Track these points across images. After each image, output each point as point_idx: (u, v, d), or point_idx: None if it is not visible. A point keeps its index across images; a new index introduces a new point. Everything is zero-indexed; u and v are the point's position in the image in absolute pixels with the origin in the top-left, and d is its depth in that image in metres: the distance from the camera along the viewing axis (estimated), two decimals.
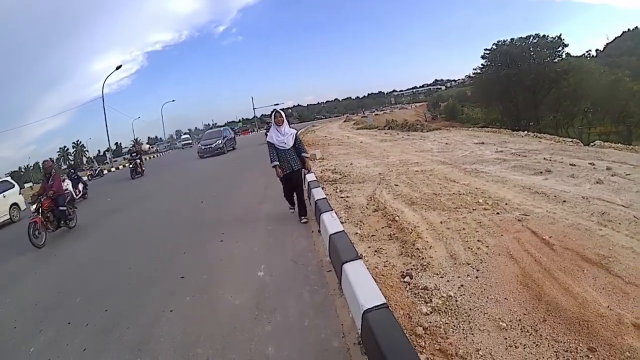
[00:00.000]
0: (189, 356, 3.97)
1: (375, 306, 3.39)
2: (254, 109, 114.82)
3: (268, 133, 8.03)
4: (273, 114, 7.88)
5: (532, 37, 51.03)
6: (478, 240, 5.69)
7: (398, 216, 7.11)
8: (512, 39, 52.15)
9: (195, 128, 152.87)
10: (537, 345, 3.40)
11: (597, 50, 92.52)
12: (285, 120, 7.79)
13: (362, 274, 4.10)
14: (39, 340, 4.84)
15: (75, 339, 4.70)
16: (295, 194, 8.18)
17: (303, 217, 7.94)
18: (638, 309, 3.77)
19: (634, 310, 3.75)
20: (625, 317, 3.62)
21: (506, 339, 3.51)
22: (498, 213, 6.76)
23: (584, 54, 70.43)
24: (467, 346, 3.45)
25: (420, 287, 4.54)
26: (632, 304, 3.86)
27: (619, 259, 4.70)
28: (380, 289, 3.86)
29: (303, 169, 8.20)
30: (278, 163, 7.66)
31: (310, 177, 9.52)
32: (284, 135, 7.65)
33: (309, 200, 8.48)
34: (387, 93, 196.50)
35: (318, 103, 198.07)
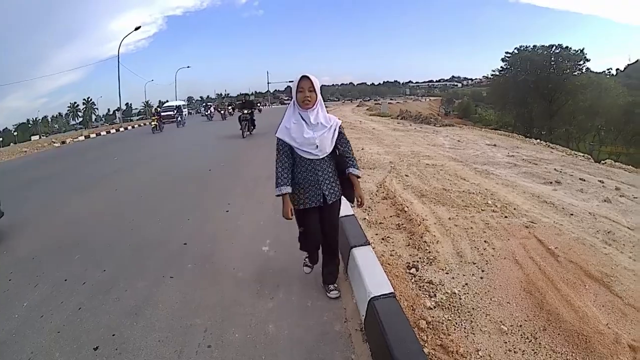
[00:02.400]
0: (186, 325, 3.93)
1: (383, 294, 3.43)
2: (268, 83, 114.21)
3: (283, 119, 3.77)
4: (297, 82, 3.59)
5: (554, 47, 51.07)
6: (485, 241, 5.68)
7: (407, 207, 7.10)
8: (534, 46, 52.29)
9: (207, 96, 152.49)
10: (535, 352, 3.44)
11: (617, 69, 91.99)
12: (319, 98, 3.67)
13: (371, 260, 4.14)
14: (34, 295, 4.76)
15: (71, 296, 4.63)
16: (323, 245, 4.23)
17: (331, 287, 4.29)
18: (635, 331, 3.80)
19: (630, 332, 3.78)
20: (623, 337, 3.65)
21: (506, 342, 3.55)
22: (506, 217, 6.74)
23: (604, 71, 69.92)
24: (467, 345, 3.48)
25: (426, 280, 4.55)
26: (630, 325, 3.89)
27: (620, 279, 4.71)
28: (387, 276, 3.91)
29: (349, 199, 4.03)
30: (290, 190, 3.71)
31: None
32: (316, 130, 3.65)
33: None
34: (402, 83, 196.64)
35: (333, 85, 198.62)
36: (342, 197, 3.99)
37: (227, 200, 8.22)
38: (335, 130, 3.76)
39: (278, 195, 3.72)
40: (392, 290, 3.55)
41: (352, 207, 4.78)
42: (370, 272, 3.87)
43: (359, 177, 3.88)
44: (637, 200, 8.46)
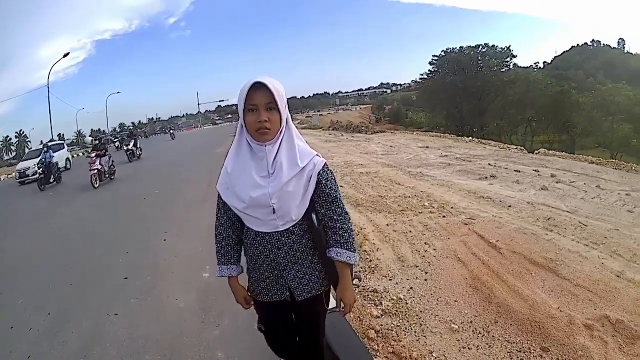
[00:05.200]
0: None
1: (328, 310, 3.39)
2: (199, 104, 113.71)
3: (227, 157, 2.22)
4: (246, 94, 1.96)
5: (481, 47, 53.76)
6: (425, 243, 5.77)
7: None
8: (461, 47, 54.50)
9: (139, 122, 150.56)
10: (490, 346, 3.49)
11: (545, 62, 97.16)
12: (287, 121, 2.11)
13: None
14: None
15: (20, 345, 4.40)
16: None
17: None
18: (588, 310, 3.95)
19: (583, 312, 3.93)
20: (577, 318, 3.77)
21: (459, 340, 3.58)
22: (444, 216, 6.90)
23: (531, 66, 73.22)
24: (420, 349, 3.48)
25: (370, 289, 4.55)
26: (582, 305, 4.04)
27: (566, 262, 4.90)
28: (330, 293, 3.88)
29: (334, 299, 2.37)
30: (236, 271, 2.41)
31: None
32: (275, 179, 2.04)
33: None
34: (332, 94, 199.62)
35: None
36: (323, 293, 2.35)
37: (164, 228, 8.02)
38: (311, 178, 2.13)
39: (221, 276, 2.46)
40: (336, 305, 3.51)
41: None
42: None
43: (349, 264, 2.21)
44: (574, 185, 8.89)
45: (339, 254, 2.15)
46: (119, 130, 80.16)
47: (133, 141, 25.13)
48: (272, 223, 2.12)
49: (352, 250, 2.17)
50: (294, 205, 2.09)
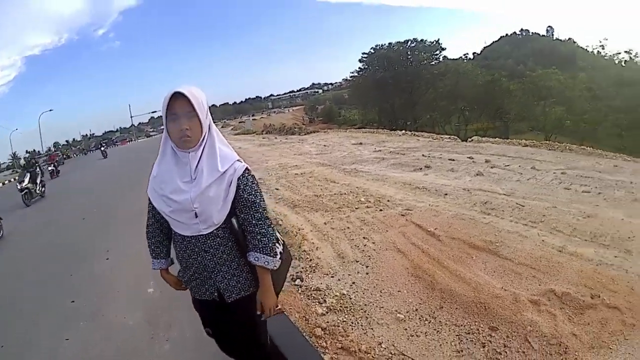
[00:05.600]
0: None
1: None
2: (131, 117, 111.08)
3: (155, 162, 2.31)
4: (167, 103, 2.06)
5: (410, 42, 54.61)
6: (364, 238, 5.75)
7: (281, 220, 7.02)
8: (390, 43, 55.17)
9: (73, 139, 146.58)
10: (437, 331, 3.48)
11: (474, 53, 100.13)
12: (209, 127, 2.19)
13: None
14: None
15: None
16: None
17: None
18: (532, 287, 4.01)
19: (528, 289, 3.97)
20: (521, 295, 3.81)
21: (406, 329, 3.56)
22: (381, 210, 6.91)
23: (461, 57, 75.22)
24: (368, 341, 3.46)
25: (312, 288, 4.49)
26: (526, 282, 4.10)
27: (506, 243, 4.96)
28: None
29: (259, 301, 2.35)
30: (165, 264, 2.64)
31: None
32: (198, 183, 2.13)
33: None
34: (264, 98, 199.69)
35: None
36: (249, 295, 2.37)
37: (105, 247, 7.76)
38: (231, 183, 2.18)
39: (155, 269, 2.65)
40: (280, 307, 3.42)
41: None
42: None
43: (267, 268, 2.25)
44: (509, 168, 9.10)
45: (256, 258, 2.21)
46: (53, 150, 77.70)
47: (29, 175, 16.29)
48: (194, 227, 2.19)
49: (271, 254, 2.22)
50: (215, 209, 2.15)
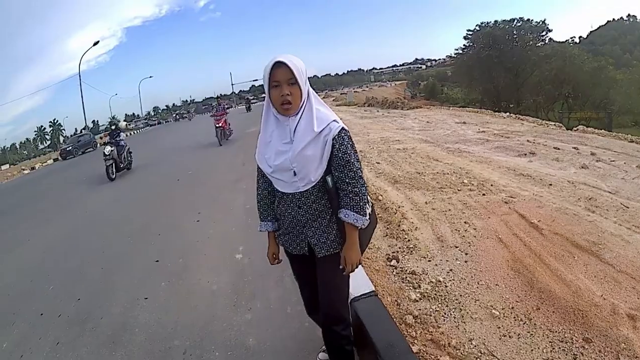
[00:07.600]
0: (165, 349, 3.74)
1: (363, 294, 3.27)
2: (232, 84, 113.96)
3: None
4: (269, 72, 2.21)
5: (516, 21, 51.89)
6: (465, 222, 5.57)
7: (381, 195, 6.98)
8: (495, 21, 52.73)
9: (173, 104, 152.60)
10: (531, 335, 3.30)
11: (580, 37, 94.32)
12: (308, 94, 2.33)
13: None
14: (12, 333, 4.49)
15: (49, 331, 4.39)
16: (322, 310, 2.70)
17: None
18: (631, 299, 3.70)
19: (627, 300, 3.68)
20: (620, 307, 3.55)
21: (499, 328, 3.41)
22: (484, 194, 6.67)
23: (567, 40, 71.05)
24: (459, 336, 3.34)
25: (408, 271, 4.40)
26: (625, 293, 3.79)
27: (608, 246, 4.63)
28: (366, 273, 3.74)
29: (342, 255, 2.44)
30: (272, 227, 2.69)
31: None
32: (295, 144, 2.28)
33: None
34: (366, 71, 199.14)
35: None
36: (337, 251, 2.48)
37: (197, 209, 7.97)
38: (327, 143, 2.27)
39: (261, 230, 2.73)
40: (373, 289, 3.38)
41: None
42: None
43: (356, 226, 2.33)
44: (614, 164, 8.49)
45: (347, 215, 2.32)
46: (152, 114, 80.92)
47: (114, 144, 13.77)
48: (294, 184, 2.36)
49: (361, 213, 2.32)
50: (312, 167, 2.30)
